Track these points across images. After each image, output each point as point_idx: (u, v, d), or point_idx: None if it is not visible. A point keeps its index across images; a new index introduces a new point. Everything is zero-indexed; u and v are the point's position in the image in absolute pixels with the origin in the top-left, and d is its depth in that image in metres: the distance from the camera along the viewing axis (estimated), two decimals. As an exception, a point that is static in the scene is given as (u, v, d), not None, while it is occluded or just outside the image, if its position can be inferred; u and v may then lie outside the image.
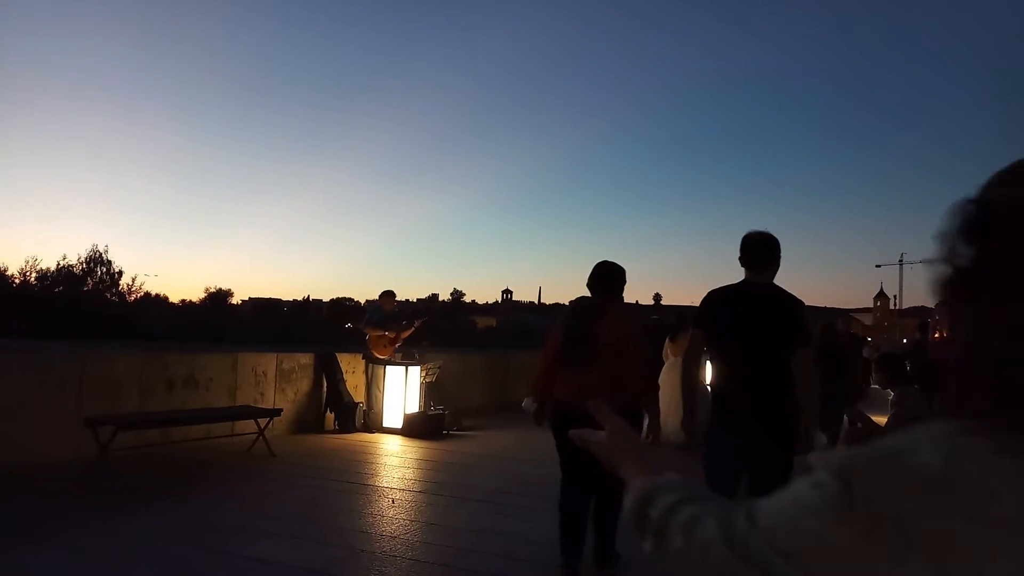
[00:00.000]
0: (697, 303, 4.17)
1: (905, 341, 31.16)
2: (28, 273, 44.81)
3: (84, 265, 47.39)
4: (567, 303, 5.37)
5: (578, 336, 4.18)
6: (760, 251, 3.88)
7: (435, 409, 10.02)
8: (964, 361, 0.72)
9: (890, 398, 6.33)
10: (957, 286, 0.72)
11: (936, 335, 10.93)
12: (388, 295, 10.57)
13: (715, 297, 3.99)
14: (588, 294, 4.45)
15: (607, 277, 4.34)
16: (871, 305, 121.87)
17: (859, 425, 6.81)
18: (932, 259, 0.74)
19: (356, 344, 10.74)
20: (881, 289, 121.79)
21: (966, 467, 0.63)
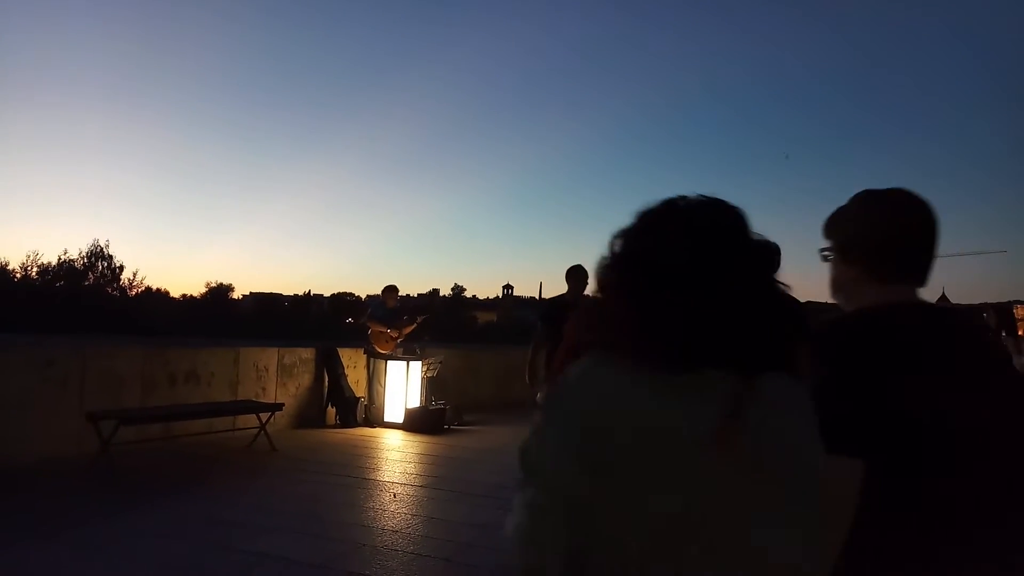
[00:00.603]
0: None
1: None
2: (29, 268, 44.85)
3: (85, 260, 47.41)
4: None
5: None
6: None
7: (436, 404, 10.03)
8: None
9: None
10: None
11: None
12: (391, 290, 10.56)
13: None
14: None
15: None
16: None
17: None
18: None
19: (357, 339, 10.75)
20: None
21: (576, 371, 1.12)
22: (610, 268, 1.16)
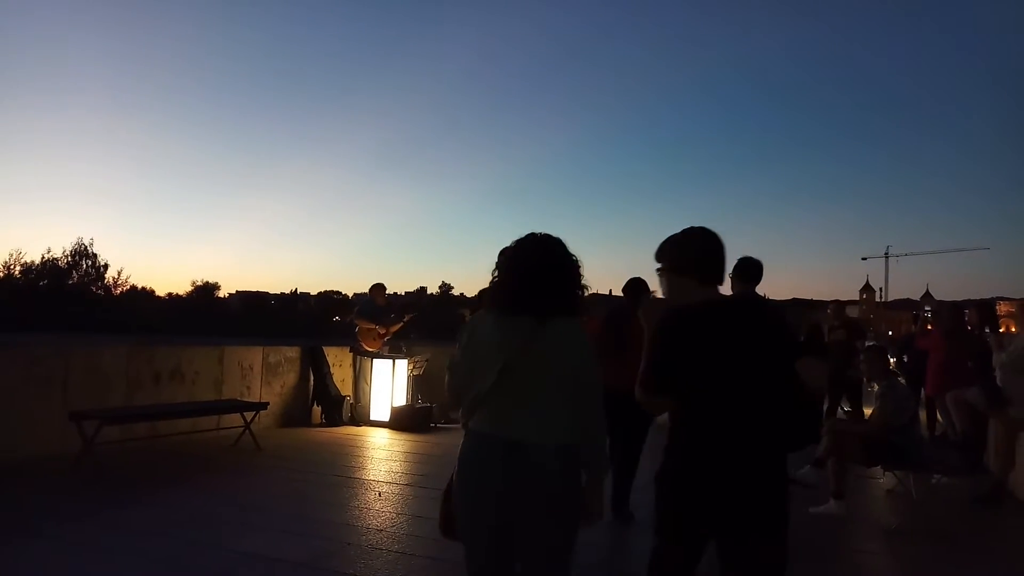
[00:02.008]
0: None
1: (891, 333, 31.46)
2: (12, 266, 44.46)
3: (69, 258, 47.10)
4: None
5: (618, 330, 5.31)
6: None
7: (422, 402, 10.02)
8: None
9: (875, 390, 6.39)
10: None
11: (928, 327, 11.01)
12: (379, 288, 10.54)
13: None
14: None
15: (634, 288, 5.77)
16: (857, 297, 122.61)
17: (846, 409, 6.89)
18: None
19: (343, 337, 10.71)
20: (867, 282, 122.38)
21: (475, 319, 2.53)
22: (498, 269, 2.53)
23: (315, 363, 9.92)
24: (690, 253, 2.46)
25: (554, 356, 2.34)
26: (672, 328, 2.40)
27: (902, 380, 7.41)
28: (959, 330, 7.80)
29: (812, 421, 2.68)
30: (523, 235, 2.46)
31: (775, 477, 2.38)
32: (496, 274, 2.50)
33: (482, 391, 2.38)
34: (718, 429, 2.33)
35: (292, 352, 9.74)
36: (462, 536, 2.49)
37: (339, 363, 10.25)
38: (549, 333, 2.34)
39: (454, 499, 2.50)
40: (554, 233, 2.47)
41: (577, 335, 2.39)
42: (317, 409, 9.84)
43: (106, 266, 48.75)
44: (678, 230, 2.52)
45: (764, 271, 5.52)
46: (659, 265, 2.53)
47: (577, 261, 2.46)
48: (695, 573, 2.43)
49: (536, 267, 2.38)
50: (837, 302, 10.77)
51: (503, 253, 2.51)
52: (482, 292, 7.17)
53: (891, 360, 9.57)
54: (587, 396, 2.38)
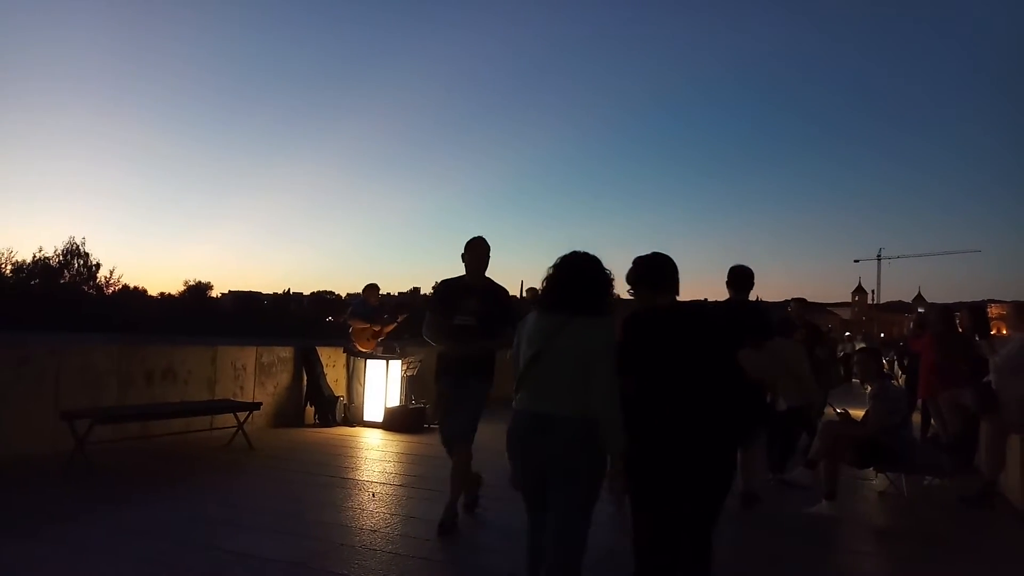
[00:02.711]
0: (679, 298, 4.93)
1: (883, 336, 31.45)
2: (3, 265, 44.23)
3: (61, 257, 46.89)
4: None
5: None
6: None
7: (416, 403, 10.01)
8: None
9: (868, 392, 6.41)
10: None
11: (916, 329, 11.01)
12: (372, 288, 10.55)
13: None
14: None
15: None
16: (849, 300, 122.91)
17: (839, 411, 6.92)
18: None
19: (337, 337, 10.70)
20: (859, 284, 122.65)
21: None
22: (545, 278, 3.11)
23: (308, 363, 9.89)
24: (641, 269, 3.26)
25: (576, 346, 2.93)
26: (630, 325, 3.16)
27: (896, 382, 7.43)
28: (949, 332, 7.83)
29: (755, 405, 3.78)
30: (567, 251, 3.09)
31: (714, 453, 3.04)
32: (543, 281, 3.11)
33: (519, 373, 3.08)
34: (662, 412, 3.01)
35: (285, 352, 9.71)
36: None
37: (332, 363, 10.23)
38: (575, 328, 2.95)
39: None
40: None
41: (597, 330, 2.94)
42: (310, 409, 9.82)
43: (98, 265, 48.58)
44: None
45: (757, 273, 5.91)
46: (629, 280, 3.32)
47: (609, 274, 3.08)
48: (674, 537, 3.09)
49: (568, 277, 3.03)
50: (799, 301, 9.26)
51: (552, 266, 3.14)
52: (533, 293, 8.84)
53: (884, 362, 9.49)
54: (599, 379, 2.88)
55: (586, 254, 3.07)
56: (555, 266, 3.10)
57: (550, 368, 2.96)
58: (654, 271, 3.26)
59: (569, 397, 2.90)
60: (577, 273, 3.03)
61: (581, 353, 2.90)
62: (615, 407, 2.88)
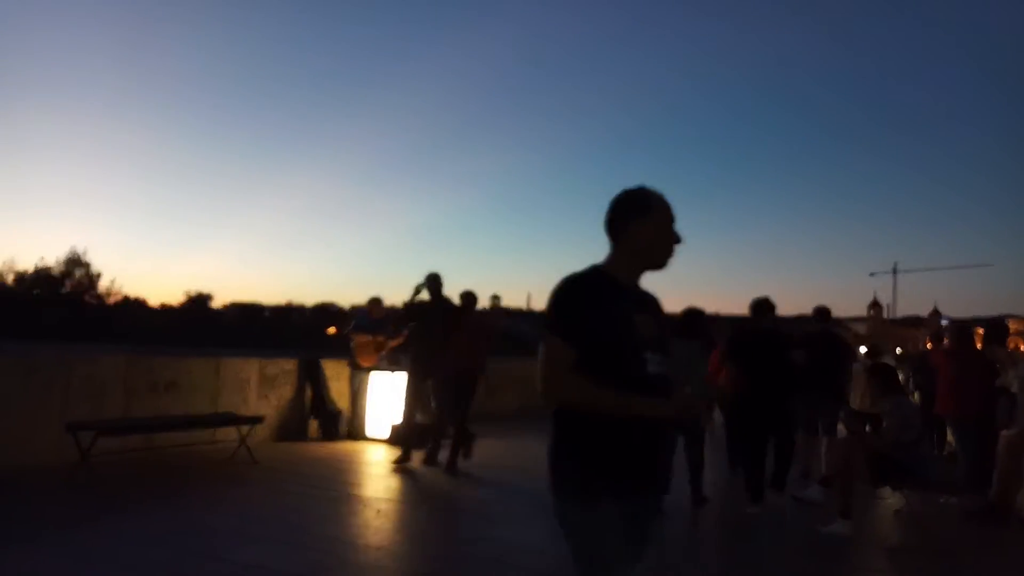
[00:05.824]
0: (687, 306, 6.77)
1: (899, 350, 31.17)
2: (5, 275, 44.30)
3: (62, 267, 46.98)
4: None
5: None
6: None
7: (422, 418, 9.89)
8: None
9: (883, 408, 6.32)
10: None
11: (928, 345, 10.94)
12: (375, 301, 10.46)
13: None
14: None
15: (695, 317, 6.81)
16: (864, 314, 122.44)
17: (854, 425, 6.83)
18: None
19: (341, 350, 10.61)
20: (875, 298, 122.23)
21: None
22: None
23: (312, 376, 9.81)
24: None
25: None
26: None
27: (913, 398, 7.34)
28: (964, 349, 7.73)
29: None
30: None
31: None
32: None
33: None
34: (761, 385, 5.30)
35: (289, 365, 9.63)
36: None
37: (337, 376, 10.14)
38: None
39: None
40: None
41: (689, 348, 4.77)
42: (314, 423, 9.73)
43: (99, 275, 48.67)
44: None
45: (771, 287, 6.49)
46: None
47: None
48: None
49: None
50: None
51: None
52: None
53: (901, 377, 9.36)
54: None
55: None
56: None
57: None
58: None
59: None
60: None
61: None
62: None
